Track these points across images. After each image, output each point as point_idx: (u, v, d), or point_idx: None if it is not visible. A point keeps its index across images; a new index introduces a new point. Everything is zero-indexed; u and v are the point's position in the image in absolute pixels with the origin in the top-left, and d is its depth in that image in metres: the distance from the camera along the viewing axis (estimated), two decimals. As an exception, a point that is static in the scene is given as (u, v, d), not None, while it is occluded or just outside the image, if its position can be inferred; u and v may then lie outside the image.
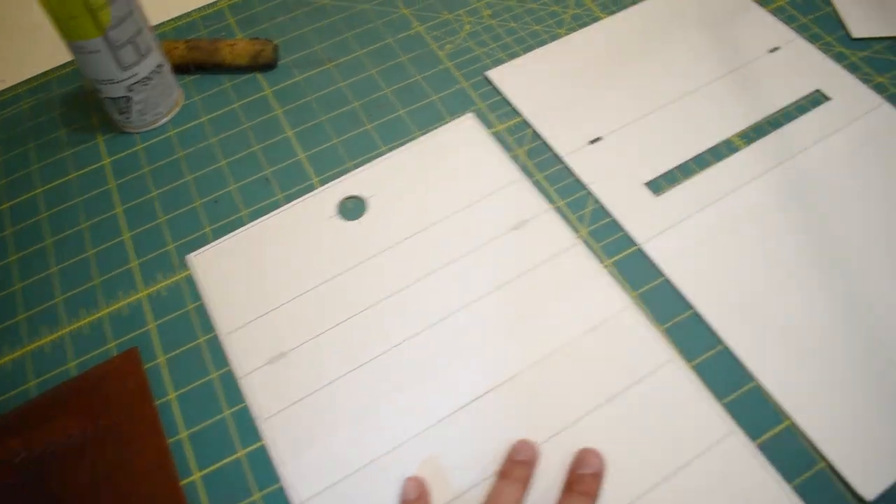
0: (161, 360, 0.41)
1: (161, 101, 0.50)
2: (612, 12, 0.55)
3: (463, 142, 0.49)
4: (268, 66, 0.53)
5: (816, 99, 0.49)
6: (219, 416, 0.39)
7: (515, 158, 0.47)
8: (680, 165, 0.46)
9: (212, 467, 0.37)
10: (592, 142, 0.48)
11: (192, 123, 0.51)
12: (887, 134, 0.47)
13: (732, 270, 0.42)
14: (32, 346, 0.42)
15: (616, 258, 0.43)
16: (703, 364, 0.39)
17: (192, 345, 0.41)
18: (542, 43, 0.53)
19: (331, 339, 0.41)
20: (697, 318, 0.40)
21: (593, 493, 0.34)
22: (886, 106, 0.48)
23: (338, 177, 0.47)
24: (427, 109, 0.50)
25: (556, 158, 0.47)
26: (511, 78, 0.51)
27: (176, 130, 0.51)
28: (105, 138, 0.51)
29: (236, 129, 0.50)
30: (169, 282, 0.44)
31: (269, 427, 0.38)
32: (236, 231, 0.46)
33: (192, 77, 0.53)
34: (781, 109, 0.48)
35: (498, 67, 0.52)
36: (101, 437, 0.39)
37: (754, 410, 0.37)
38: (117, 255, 0.45)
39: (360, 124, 0.50)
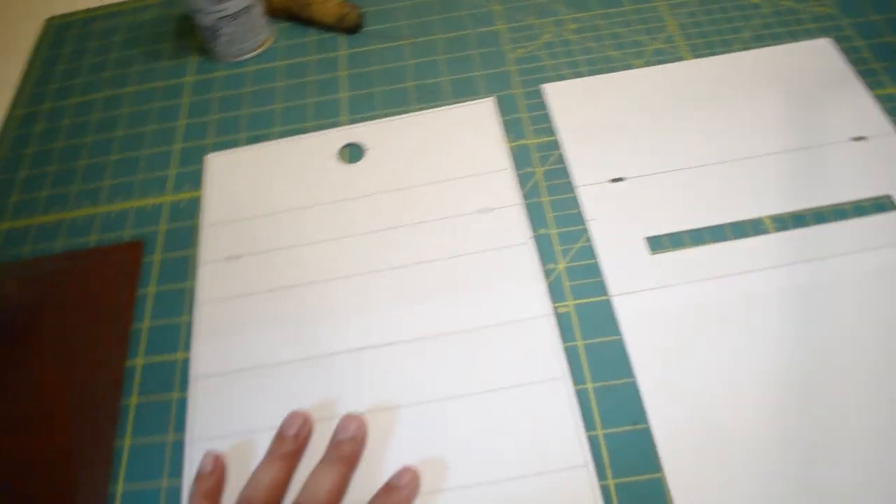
0: (157, 258, 0.46)
1: (247, 38, 0.55)
2: (700, 55, 0.51)
3: (473, 121, 0.50)
4: (351, 30, 0.56)
5: (882, 204, 0.43)
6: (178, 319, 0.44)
7: (531, 175, 0.47)
8: (692, 230, 0.43)
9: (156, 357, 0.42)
10: (614, 181, 0.46)
11: (269, 65, 0.55)
12: (954, 267, 0.40)
13: (693, 358, 0.38)
14: (71, 215, 0.49)
15: (581, 301, 0.41)
16: (617, 435, 0.36)
17: (182, 253, 0.46)
18: (613, 70, 0.51)
19: (284, 256, 0.45)
20: (633, 390, 0.38)
21: (350, 459, 0.35)
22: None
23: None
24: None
25: (570, 186, 0.46)
26: (563, 96, 0.50)
27: (254, 68, 0.55)
28: (198, 59, 0.57)
29: (301, 79, 0.54)
30: (191, 195, 0.49)
31: (202, 310, 0.43)
32: (252, 145, 0.51)
33: (286, 24, 0.58)
34: (836, 204, 0.43)
35: (555, 83, 0.51)
36: (79, 303, 0.45)
37: (647, 501, 0.35)
38: (165, 160, 0.51)
39: (407, 104, 0.51)
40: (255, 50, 0.56)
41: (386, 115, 0.51)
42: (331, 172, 0.49)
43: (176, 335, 0.43)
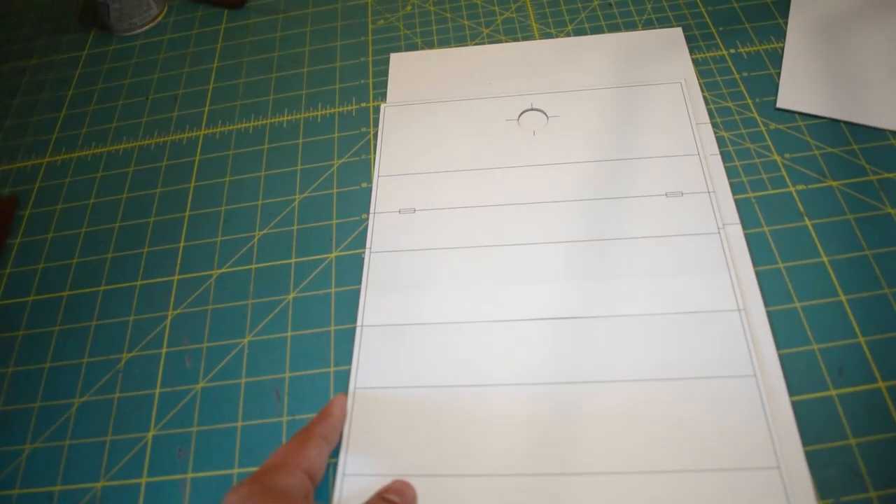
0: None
1: (136, 13, 0.58)
2: (549, 35, 0.52)
3: (667, 101, 0.48)
4: (235, 5, 0.59)
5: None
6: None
7: (365, 134, 0.48)
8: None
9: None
10: (432, 141, 0.47)
11: (156, 39, 0.59)
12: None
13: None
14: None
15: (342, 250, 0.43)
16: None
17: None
18: (461, 39, 0.52)
19: (455, 214, 0.44)
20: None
21: None
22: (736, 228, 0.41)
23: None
24: (321, 74, 0.53)
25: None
26: (405, 66, 0.52)
27: (142, 42, 0.59)
28: (95, 34, 0.61)
29: (182, 51, 0.58)
30: (67, 156, 0.53)
31: (372, 261, 0.43)
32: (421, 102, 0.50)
33: (178, 0, 0.62)
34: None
35: (402, 53, 0.53)
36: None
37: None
38: (52, 125, 0.55)
39: (269, 71, 0.54)
40: (145, 25, 0.60)
41: (246, 80, 0.54)
42: (511, 136, 0.48)
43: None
